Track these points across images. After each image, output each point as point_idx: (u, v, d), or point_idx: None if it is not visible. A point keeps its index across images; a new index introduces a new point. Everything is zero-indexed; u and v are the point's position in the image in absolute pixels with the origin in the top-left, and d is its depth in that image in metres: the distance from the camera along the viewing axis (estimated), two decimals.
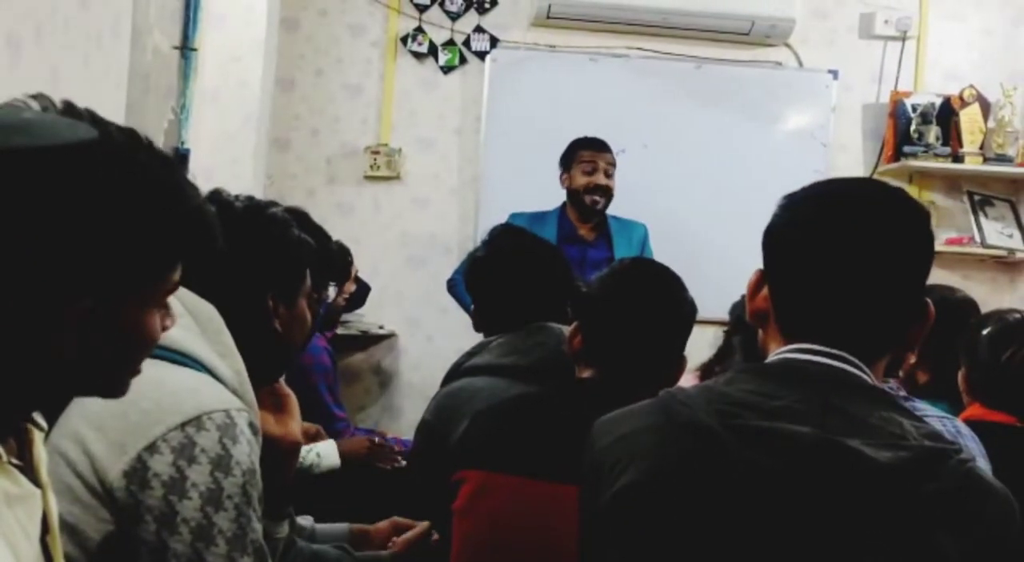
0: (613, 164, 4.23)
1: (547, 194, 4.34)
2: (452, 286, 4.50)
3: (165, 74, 3.41)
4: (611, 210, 4.19)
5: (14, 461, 1.04)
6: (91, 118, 1.05)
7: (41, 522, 1.09)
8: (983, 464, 1.89)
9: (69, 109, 1.06)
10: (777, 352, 1.29)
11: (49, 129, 1.00)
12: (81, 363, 1.04)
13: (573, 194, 4.21)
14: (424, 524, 2.24)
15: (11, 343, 1.00)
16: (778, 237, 1.31)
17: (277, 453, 1.72)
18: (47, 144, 0.97)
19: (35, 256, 0.97)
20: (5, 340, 0.99)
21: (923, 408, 1.99)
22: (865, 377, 1.25)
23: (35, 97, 1.04)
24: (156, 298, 1.11)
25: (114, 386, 1.12)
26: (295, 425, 1.79)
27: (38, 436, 1.11)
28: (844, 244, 1.25)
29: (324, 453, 3.21)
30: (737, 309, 2.43)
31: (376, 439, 3.47)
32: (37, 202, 0.96)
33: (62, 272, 0.99)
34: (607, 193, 4.18)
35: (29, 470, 1.07)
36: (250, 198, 1.80)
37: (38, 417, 1.12)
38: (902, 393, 2.02)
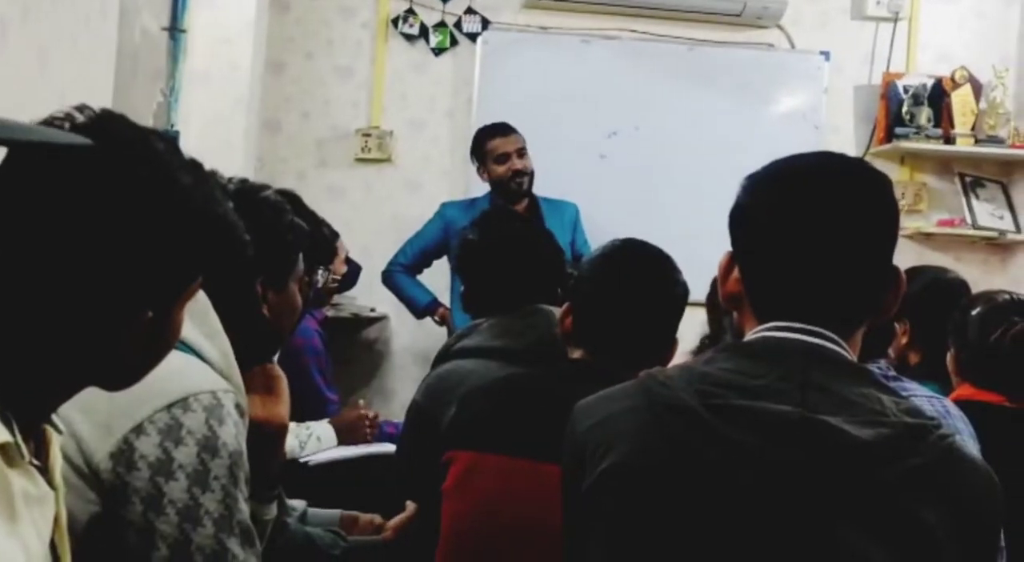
0: (523, 145, 4.30)
1: (538, 176, 4.35)
2: (388, 277, 4.51)
3: (154, 55, 3.39)
4: (608, 186, 4.22)
5: (34, 462, 1.07)
6: (146, 145, 1.11)
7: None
8: (971, 444, 1.90)
9: (110, 117, 1.12)
10: (754, 331, 1.29)
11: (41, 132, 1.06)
12: (129, 366, 1.14)
13: (496, 184, 4.30)
14: (413, 507, 2.24)
15: (79, 354, 1.09)
16: (744, 217, 1.32)
17: (264, 435, 1.71)
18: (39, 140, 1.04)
19: (104, 276, 1.06)
20: (75, 352, 1.08)
21: (912, 388, 1.99)
22: (843, 352, 1.26)
23: (79, 109, 1.10)
24: (189, 296, 1.18)
25: (137, 380, 1.19)
26: (284, 407, 1.79)
27: (55, 438, 1.14)
28: (809, 219, 1.26)
29: (324, 436, 3.20)
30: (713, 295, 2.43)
31: (363, 410, 3.48)
32: (103, 228, 1.05)
33: (129, 289, 1.08)
34: (526, 172, 4.27)
35: (44, 471, 1.10)
36: (243, 181, 1.79)
37: (56, 420, 1.14)
38: (891, 373, 2.02)
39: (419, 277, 4.57)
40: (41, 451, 1.11)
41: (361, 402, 3.65)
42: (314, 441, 3.16)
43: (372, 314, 4.83)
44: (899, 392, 1.25)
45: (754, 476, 1.16)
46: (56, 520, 1.12)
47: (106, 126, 1.09)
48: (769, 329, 1.28)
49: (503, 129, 4.33)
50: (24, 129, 1.02)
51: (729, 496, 1.16)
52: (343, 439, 3.28)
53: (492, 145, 4.30)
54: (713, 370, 1.24)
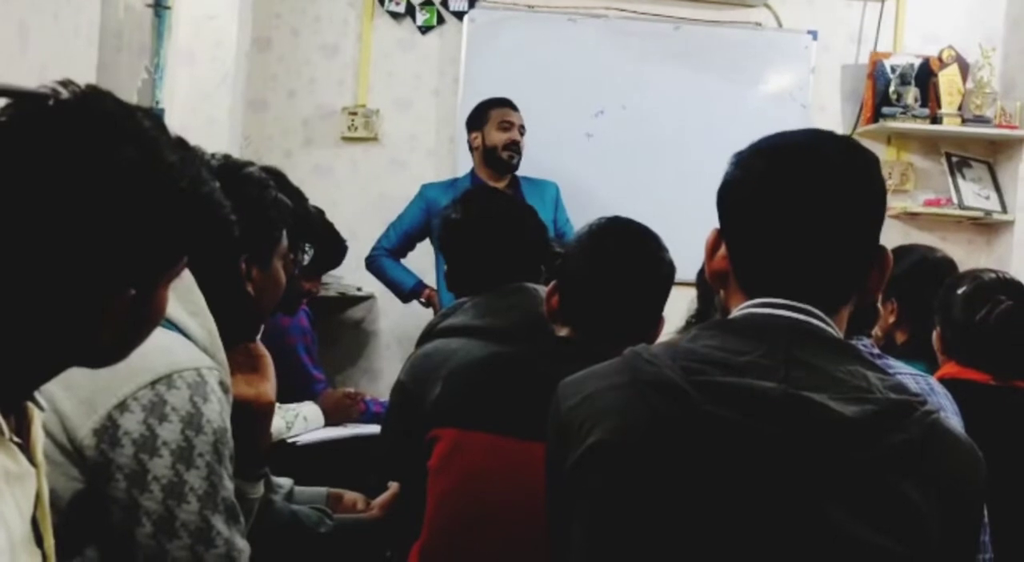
0: (524, 126, 4.39)
1: (525, 154, 4.35)
2: (372, 262, 4.51)
3: (138, 32, 3.36)
4: (595, 165, 4.23)
5: (15, 439, 1.06)
6: (132, 122, 1.10)
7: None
8: (956, 421, 1.90)
9: (96, 94, 1.11)
10: (739, 308, 1.29)
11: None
12: (112, 344, 1.13)
13: (489, 151, 4.33)
14: (395, 486, 2.25)
15: (60, 331, 1.07)
16: (731, 193, 1.31)
17: (250, 414, 1.71)
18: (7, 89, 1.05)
19: (88, 254, 1.05)
20: (55, 328, 1.07)
21: (896, 366, 2.00)
22: (828, 329, 1.26)
23: (63, 84, 1.09)
24: (174, 275, 1.17)
25: (122, 358, 1.18)
26: (269, 386, 1.78)
27: (37, 415, 1.13)
28: (796, 195, 1.25)
29: (310, 416, 3.20)
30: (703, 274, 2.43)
31: (350, 389, 3.49)
32: (88, 206, 1.04)
33: (110, 266, 1.07)
34: (520, 151, 4.33)
35: (26, 449, 1.10)
36: (226, 157, 1.78)
37: (39, 397, 1.14)
38: (875, 351, 2.02)
39: (404, 260, 4.56)
40: (23, 428, 1.11)
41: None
42: (301, 421, 3.16)
43: (359, 293, 4.82)
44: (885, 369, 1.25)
45: (738, 453, 1.16)
46: (38, 497, 1.11)
47: (92, 103, 1.08)
48: (754, 306, 1.27)
49: (511, 103, 4.42)
50: None
51: (713, 473, 1.16)
52: (330, 419, 3.28)
53: (498, 112, 4.36)
54: (697, 347, 1.23)
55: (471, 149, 4.44)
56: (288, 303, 2.58)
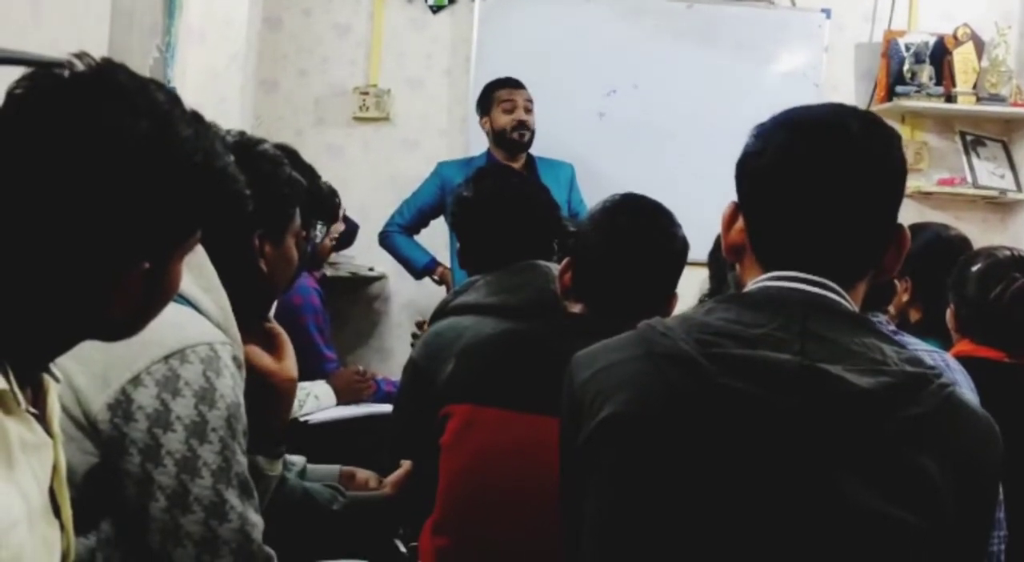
0: (531, 100, 4.35)
1: (537, 134, 4.34)
2: (385, 238, 4.51)
3: (149, 11, 3.35)
4: (607, 144, 4.20)
5: (31, 410, 1.07)
6: (146, 96, 1.10)
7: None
8: (971, 397, 1.89)
9: (111, 67, 1.11)
10: (755, 281, 1.29)
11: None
12: (126, 317, 1.13)
13: (498, 135, 4.31)
14: (407, 464, 2.25)
15: (74, 303, 1.08)
16: (751, 167, 1.30)
17: (272, 390, 1.72)
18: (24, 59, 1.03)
19: (101, 226, 1.05)
20: (70, 300, 1.08)
21: (912, 342, 1.99)
22: (844, 302, 1.25)
23: (78, 56, 1.09)
24: (188, 249, 1.18)
25: (136, 331, 1.18)
26: (290, 363, 1.79)
27: (53, 386, 1.14)
28: (816, 169, 1.25)
29: (322, 395, 3.21)
30: (715, 252, 2.42)
31: (360, 368, 3.49)
32: (103, 179, 1.04)
33: (124, 239, 1.07)
34: (529, 128, 4.30)
35: (42, 419, 1.11)
36: (241, 133, 1.79)
37: (55, 369, 1.14)
38: (891, 327, 2.01)
39: (417, 237, 4.56)
40: (39, 399, 1.11)
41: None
42: (312, 400, 3.17)
43: (371, 273, 4.83)
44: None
45: (753, 425, 1.15)
46: (55, 468, 1.12)
47: (106, 76, 1.08)
48: (770, 279, 1.27)
49: (514, 82, 4.38)
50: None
51: (728, 445, 1.16)
52: (342, 398, 3.29)
53: (501, 94, 4.33)
54: (712, 320, 1.23)
55: (484, 132, 4.43)
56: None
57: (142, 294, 1.12)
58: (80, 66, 1.07)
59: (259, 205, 1.66)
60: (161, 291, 1.16)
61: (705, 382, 1.17)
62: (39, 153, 1.03)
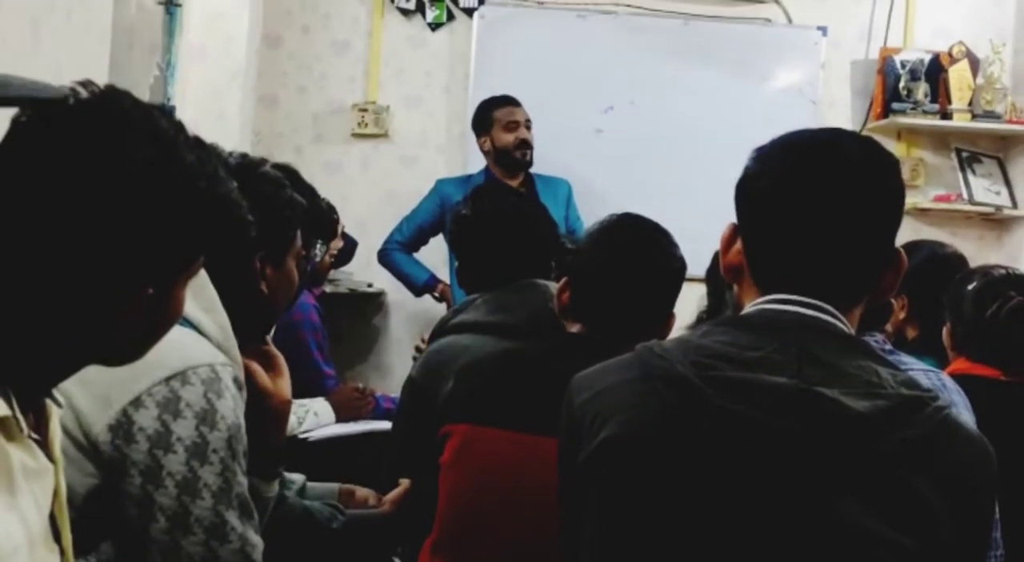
0: (529, 119, 4.35)
1: (535, 150, 4.34)
2: (384, 255, 4.51)
3: (149, 30, 3.37)
4: (604, 161, 4.22)
5: (33, 435, 1.07)
6: (150, 122, 1.11)
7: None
8: (967, 417, 1.90)
9: (114, 94, 1.12)
10: (752, 304, 1.30)
11: (28, 86, 1.07)
12: (129, 342, 1.14)
13: (501, 153, 4.31)
14: (406, 482, 2.25)
15: (78, 329, 1.08)
16: (750, 189, 1.31)
17: (268, 411, 1.72)
18: (26, 96, 1.05)
19: (105, 252, 1.06)
20: (73, 326, 1.08)
21: (908, 361, 1.99)
22: (841, 325, 1.26)
23: (83, 84, 1.10)
24: (191, 274, 1.18)
25: (139, 356, 1.19)
26: (285, 384, 1.80)
27: (55, 411, 1.15)
28: (815, 193, 1.26)
29: (321, 412, 3.21)
30: (713, 270, 2.43)
31: (360, 385, 3.49)
32: (107, 205, 1.05)
33: (128, 265, 1.08)
34: (531, 145, 4.31)
35: (44, 445, 1.11)
36: (243, 156, 1.79)
37: (57, 394, 1.15)
38: (887, 347, 2.02)
39: (417, 254, 4.57)
40: (40, 425, 1.12)
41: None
42: (311, 417, 3.17)
43: (369, 289, 4.83)
44: (896, 365, 1.26)
45: (750, 447, 1.16)
46: (56, 493, 1.12)
47: (110, 103, 1.09)
48: (767, 302, 1.28)
49: (512, 100, 4.38)
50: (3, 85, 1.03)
51: (725, 467, 1.17)
52: (341, 415, 3.29)
53: (502, 113, 4.33)
54: (709, 342, 1.24)
55: (482, 152, 4.43)
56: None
57: (146, 319, 1.13)
58: (84, 94, 1.08)
59: (261, 228, 1.68)
60: (165, 316, 1.16)
61: (702, 404, 1.18)
62: (44, 180, 1.04)
